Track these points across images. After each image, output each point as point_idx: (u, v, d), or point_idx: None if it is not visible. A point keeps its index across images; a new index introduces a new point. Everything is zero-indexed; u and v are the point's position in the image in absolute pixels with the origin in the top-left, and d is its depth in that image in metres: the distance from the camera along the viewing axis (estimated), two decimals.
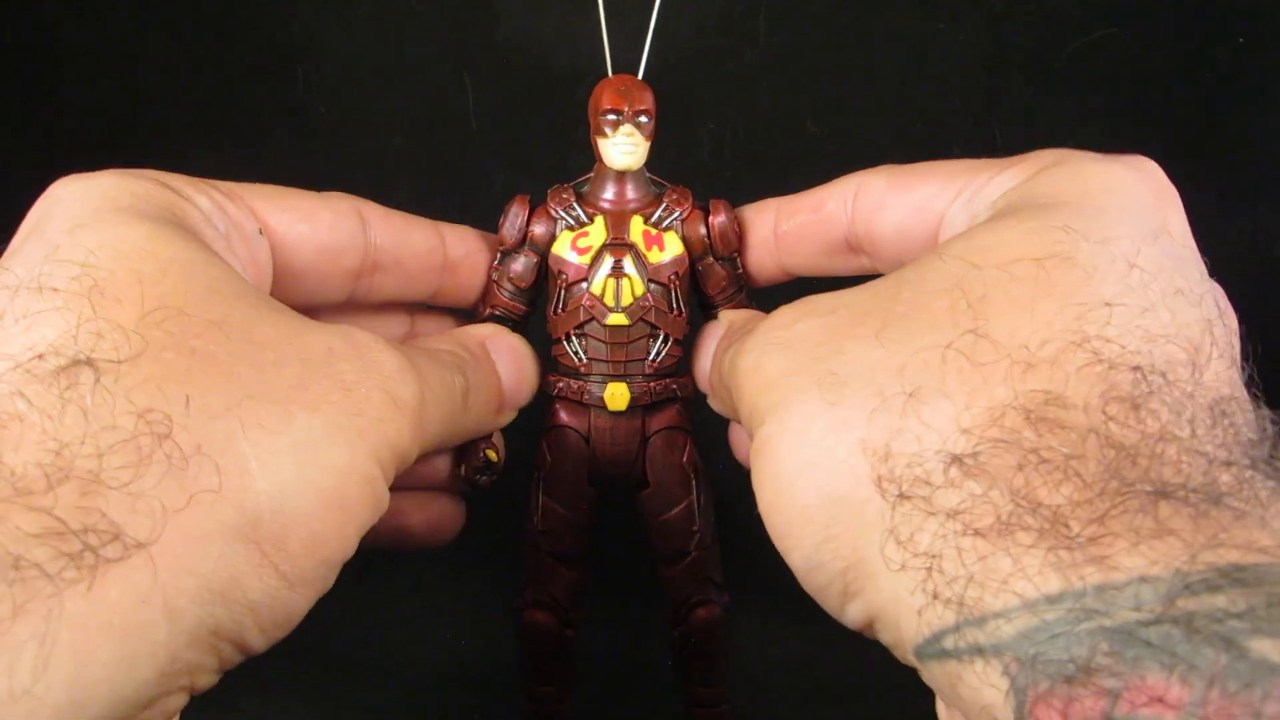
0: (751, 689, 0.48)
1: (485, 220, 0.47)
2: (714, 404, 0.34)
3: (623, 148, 0.34)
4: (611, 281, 0.34)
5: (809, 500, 0.24)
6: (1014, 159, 0.31)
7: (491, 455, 0.35)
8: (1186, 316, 0.25)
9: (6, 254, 0.28)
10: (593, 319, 0.34)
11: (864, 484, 0.23)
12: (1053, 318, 0.24)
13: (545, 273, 0.35)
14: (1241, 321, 0.46)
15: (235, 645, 0.25)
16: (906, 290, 0.26)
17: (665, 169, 0.45)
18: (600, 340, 0.34)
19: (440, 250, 0.36)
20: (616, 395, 0.34)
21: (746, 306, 0.36)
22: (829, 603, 0.25)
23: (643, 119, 0.34)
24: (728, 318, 0.35)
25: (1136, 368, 0.23)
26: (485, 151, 0.46)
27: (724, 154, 0.45)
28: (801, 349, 0.26)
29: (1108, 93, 0.44)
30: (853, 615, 0.25)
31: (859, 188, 0.34)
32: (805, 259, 0.36)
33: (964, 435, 0.22)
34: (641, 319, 0.34)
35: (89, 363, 0.24)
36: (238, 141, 0.46)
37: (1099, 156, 0.30)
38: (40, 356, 0.24)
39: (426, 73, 0.46)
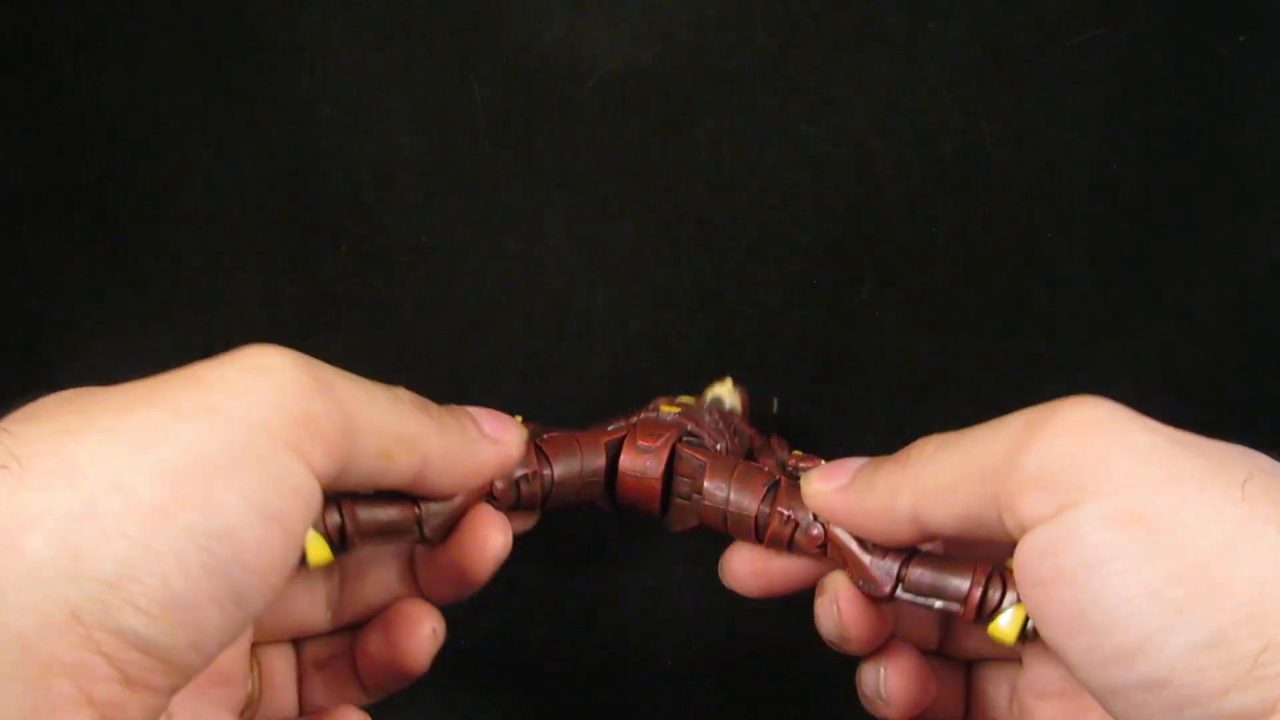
0: (754, 678, 0.48)
1: (487, 219, 0.47)
2: (856, 498, 0.34)
3: None
4: None
5: (1237, 579, 0.24)
6: None
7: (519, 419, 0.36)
8: None
9: None
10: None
11: None
12: None
13: None
14: (1242, 323, 0.46)
15: (117, 635, 0.24)
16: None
17: (665, 167, 0.46)
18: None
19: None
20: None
21: None
22: (1211, 682, 0.24)
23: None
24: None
25: None
26: (492, 153, 0.46)
27: (721, 152, 0.45)
28: (1167, 441, 0.27)
29: (1101, 93, 0.43)
30: (1249, 699, 0.24)
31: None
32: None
33: None
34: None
35: None
36: (238, 141, 0.46)
37: None
38: None
39: (432, 74, 0.46)
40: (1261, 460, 0.27)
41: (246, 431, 0.26)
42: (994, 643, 0.32)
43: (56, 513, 0.24)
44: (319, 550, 0.33)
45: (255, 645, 0.37)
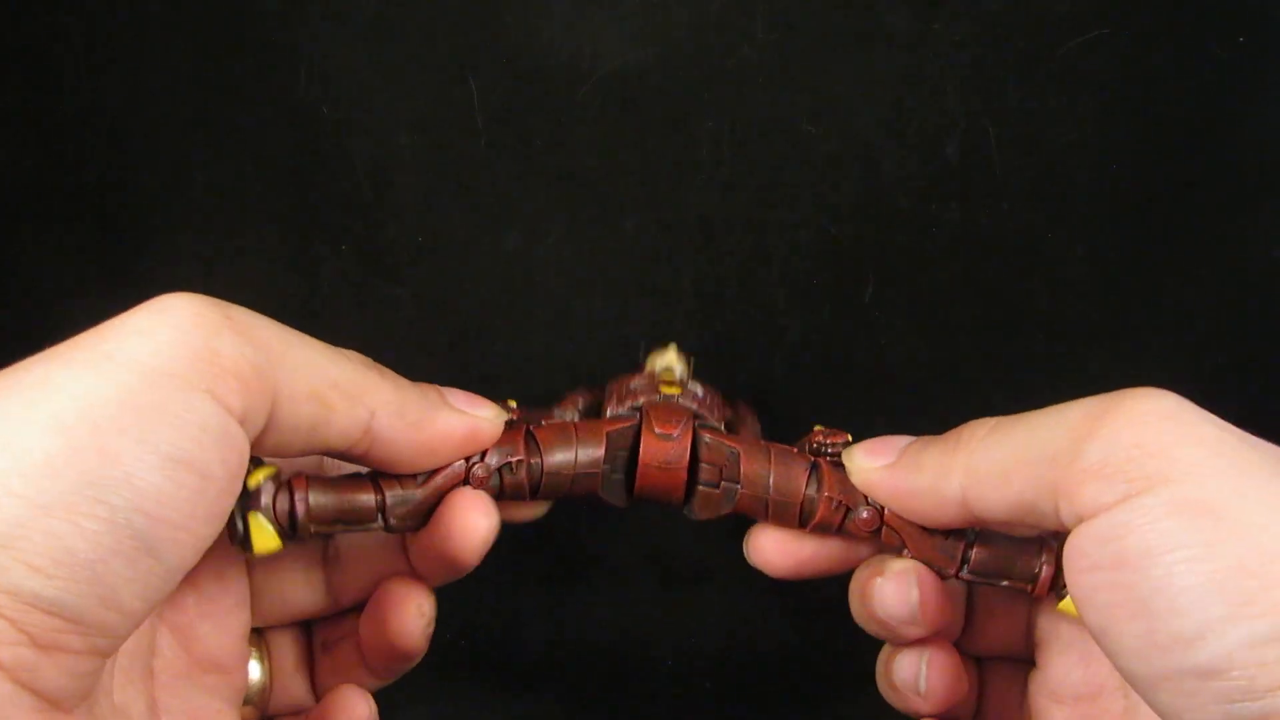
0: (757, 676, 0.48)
1: (487, 219, 0.47)
2: (903, 473, 0.33)
3: None
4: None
5: None
6: None
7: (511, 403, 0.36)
8: None
9: None
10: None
11: None
12: None
13: None
14: (1242, 323, 0.46)
15: (13, 595, 0.23)
16: None
17: (666, 167, 0.45)
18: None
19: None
20: (670, 390, 0.36)
21: None
22: (1269, 675, 0.24)
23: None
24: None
25: None
26: (490, 152, 0.46)
27: (722, 152, 0.45)
28: (1236, 434, 0.27)
29: (1105, 92, 0.43)
30: None
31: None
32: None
33: None
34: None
35: None
36: (238, 141, 0.46)
37: None
38: None
39: (430, 73, 0.46)
40: None
41: (142, 375, 0.25)
42: (1058, 619, 0.33)
43: None
44: (265, 539, 0.31)
45: (264, 630, 0.37)
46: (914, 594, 0.33)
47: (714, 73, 0.44)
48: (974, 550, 0.33)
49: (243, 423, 0.27)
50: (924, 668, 0.35)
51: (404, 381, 0.33)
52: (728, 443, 0.35)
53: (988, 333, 0.46)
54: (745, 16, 0.43)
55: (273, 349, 0.28)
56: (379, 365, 0.32)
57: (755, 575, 0.38)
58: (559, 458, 0.35)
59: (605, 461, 0.35)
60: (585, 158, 0.46)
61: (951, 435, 0.32)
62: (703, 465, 0.35)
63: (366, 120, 0.46)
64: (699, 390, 0.37)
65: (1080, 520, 0.27)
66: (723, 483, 0.35)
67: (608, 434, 0.35)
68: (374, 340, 0.49)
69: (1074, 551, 0.28)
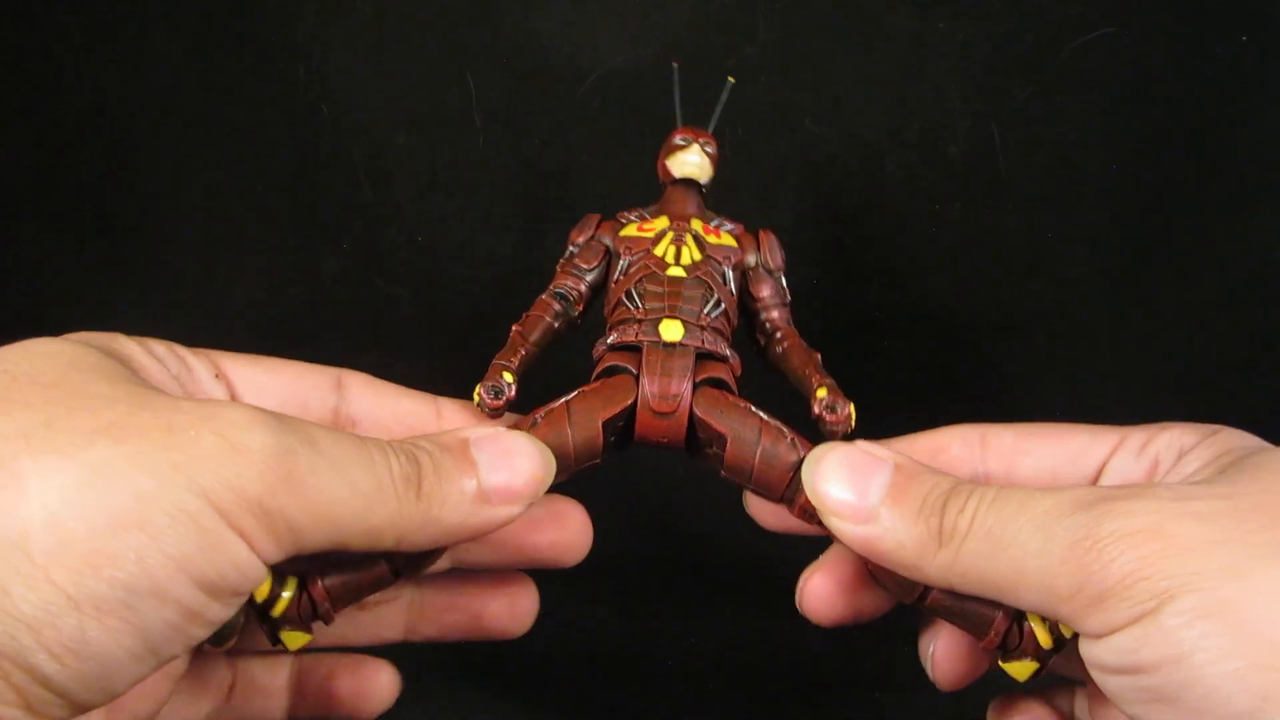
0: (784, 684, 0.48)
1: (488, 220, 0.47)
2: (880, 533, 0.32)
3: (691, 158, 0.38)
4: (672, 247, 0.36)
5: None
6: (1141, 427, 0.34)
7: (508, 377, 0.34)
8: None
9: None
10: (652, 271, 0.35)
11: None
12: None
13: (609, 264, 0.37)
14: (1242, 323, 0.46)
15: (27, 672, 0.24)
16: None
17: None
18: (659, 288, 0.35)
19: (434, 420, 0.35)
20: (671, 327, 0.35)
21: (789, 323, 0.38)
22: None
23: (709, 147, 0.38)
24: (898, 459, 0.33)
25: None
26: (488, 151, 0.46)
27: (724, 151, 0.44)
28: (1215, 523, 0.27)
29: (1107, 92, 0.43)
30: None
31: (984, 435, 0.36)
32: None
33: None
34: (698, 275, 0.35)
35: None
36: (238, 141, 0.46)
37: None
38: None
39: (429, 72, 0.46)
40: None
41: (200, 502, 0.26)
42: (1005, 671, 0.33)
43: None
44: (296, 640, 0.32)
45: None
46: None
47: (715, 72, 0.44)
48: (934, 591, 0.34)
49: (267, 562, 0.28)
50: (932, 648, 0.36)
51: (438, 489, 0.31)
52: (716, 428, 0.35)
53: (988, 333, 0.46)
54: (746, 15, 0.43)
55: (318, 508, 0.28)
56: (414, 474, 0.30)
57: (757, 576, 0.38)
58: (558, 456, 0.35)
59: (604, 450, 0.35)
60: (584, 157, 0.46)
61: (934, 506, 0.31)
62: (698, 435, 0.35)
63: (366, 120, 0.46)
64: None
65: (1089, 635, 0.28)
66: (713, 449, 0.35)
67: (603, 424, 0.35)
68: (374, 340, 0.49)
69: (1093, 658, 0.29)
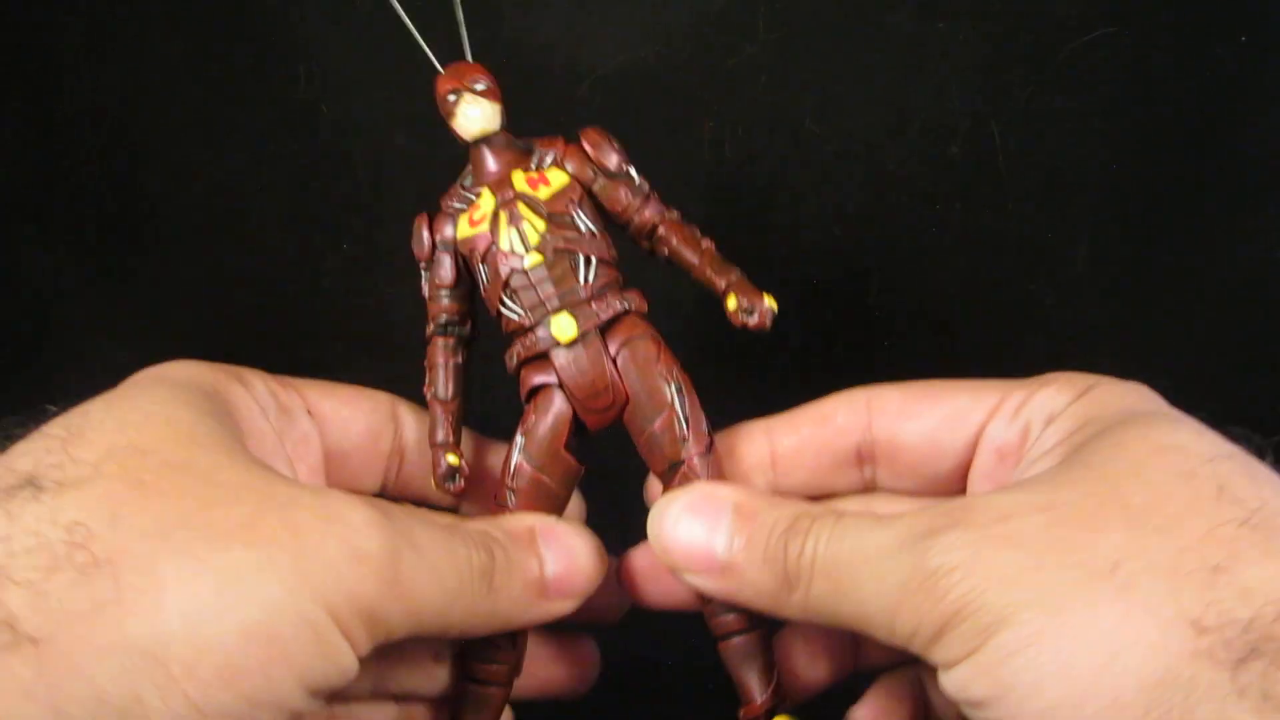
0: None
1: None
2: (736, 584, 0.31)
3: (470, 114, 0.34)
4: (512, 230, 0.34)
5: (1123, 692, 0.24)
6: (1024, 382, 0.33)
7: (453, 460, 0.35)
8: None
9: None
10: (513, 270, 0.34)
11: (1186, 660, 0.24)
12: None
13: (466, 264, 0.35)
14: (1242, 322, 0.46)
15: None
16: (1125, 484, 0.27)
17: (667, 167, 0.45)
18: (528, 286, 0.34)
19: (469, 454, 0.36)
20: (562, 325, 0.34)
21: (666, 214, 0.35)
22: None
23: (478, 85, 0.34)
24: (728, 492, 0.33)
25: None
26: None
27: (724, 151, 0.45)
28: (1032, 546, 0.26)
29: (1107, 92, 0.43)
30: None
31: (870, 399, 0.35)
32: (807, 475, 0.36)
33: None
34: (555, 250, 0.34)
35: (33, 482, 0.26)
36: (239, 141, 0.46)
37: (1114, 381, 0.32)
38: (3, 479, 0.26)
39: (430, 72, 0.46)
40: (1130, 515, 0.27)
41: (321, 612, 0.26)
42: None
43: (131, 648, 0.24)
44: None
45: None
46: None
47: (715, 72, 0.44)
48: (732, 640, 0.35)
49: (360, 660, 0.28)
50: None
51: (505, 586, 0.31)
52: (624, 388, 0.34)
53: (988, 333, 0.46)
54: (747, 15, 0.43)
55: (415, 610, 0.29)
56: (490, 567, 0.31)
57: None
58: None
59: (579, 461, 0.35)
60: None
61: (777, 548, 0.30)
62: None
63: (366, 120, 0.46)
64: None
65: (938, 664, 0.28)
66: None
67: (564, 448, 0.35)
68: (374, 341, 0.49)
69: (944, 690, 0.28)
